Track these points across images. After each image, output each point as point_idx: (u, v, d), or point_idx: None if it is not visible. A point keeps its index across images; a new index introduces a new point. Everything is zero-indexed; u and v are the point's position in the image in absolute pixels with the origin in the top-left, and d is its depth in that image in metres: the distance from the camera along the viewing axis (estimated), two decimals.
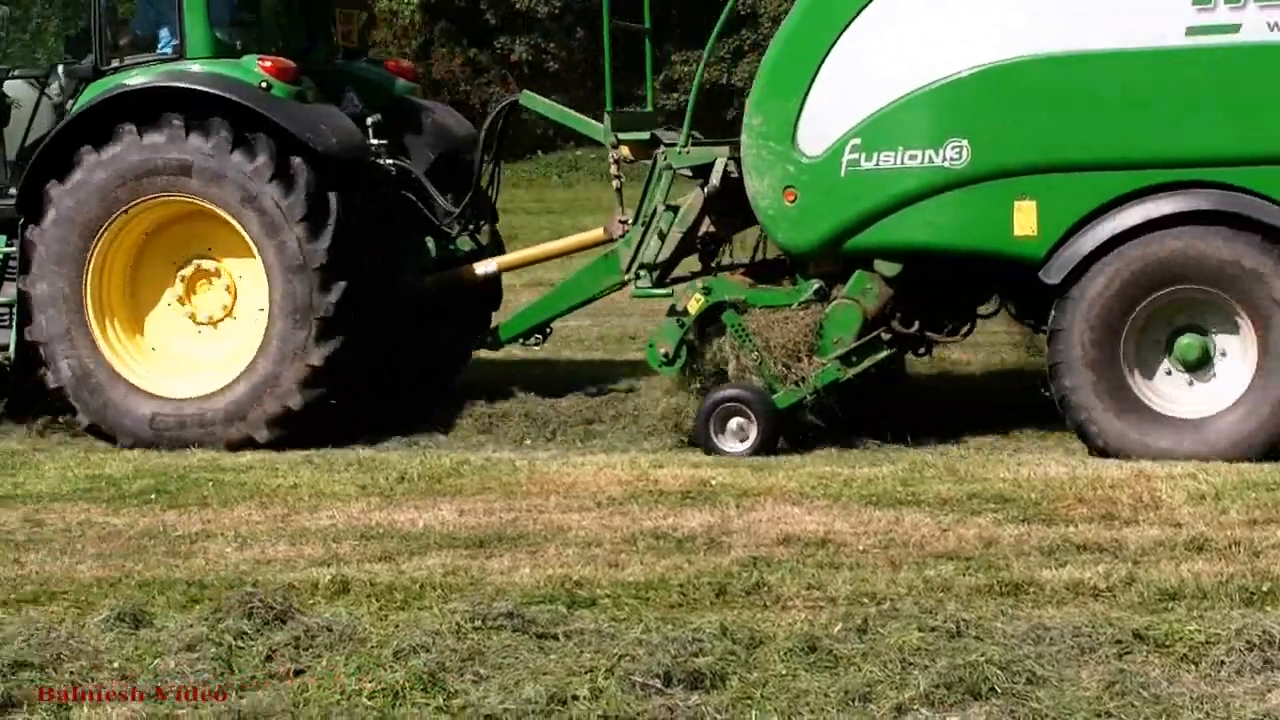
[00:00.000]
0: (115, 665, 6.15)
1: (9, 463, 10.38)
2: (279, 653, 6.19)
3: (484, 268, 12.24)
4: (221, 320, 11.55)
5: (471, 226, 12.53)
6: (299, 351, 10.98)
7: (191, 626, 6.52)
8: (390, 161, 11.97)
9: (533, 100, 12.24)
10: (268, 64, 11.28)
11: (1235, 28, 9.46)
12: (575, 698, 5.55)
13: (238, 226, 11.11)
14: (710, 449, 10.24)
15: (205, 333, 11.57)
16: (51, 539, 8.45)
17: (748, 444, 10.21)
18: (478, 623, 6.35)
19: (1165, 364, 9.90)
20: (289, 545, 8.13)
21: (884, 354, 10.32)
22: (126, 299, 11.57)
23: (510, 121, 12.44)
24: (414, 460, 9.99)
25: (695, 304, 10.57)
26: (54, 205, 11.35)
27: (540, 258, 12.69)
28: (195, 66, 11.41)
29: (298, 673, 5.99)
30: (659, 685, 5.64)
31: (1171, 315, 9.83)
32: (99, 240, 11.32)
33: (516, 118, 12.81)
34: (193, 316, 11.58)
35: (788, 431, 10.39)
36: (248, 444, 11.04)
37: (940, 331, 10.75)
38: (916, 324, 10.44)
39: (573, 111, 12.37)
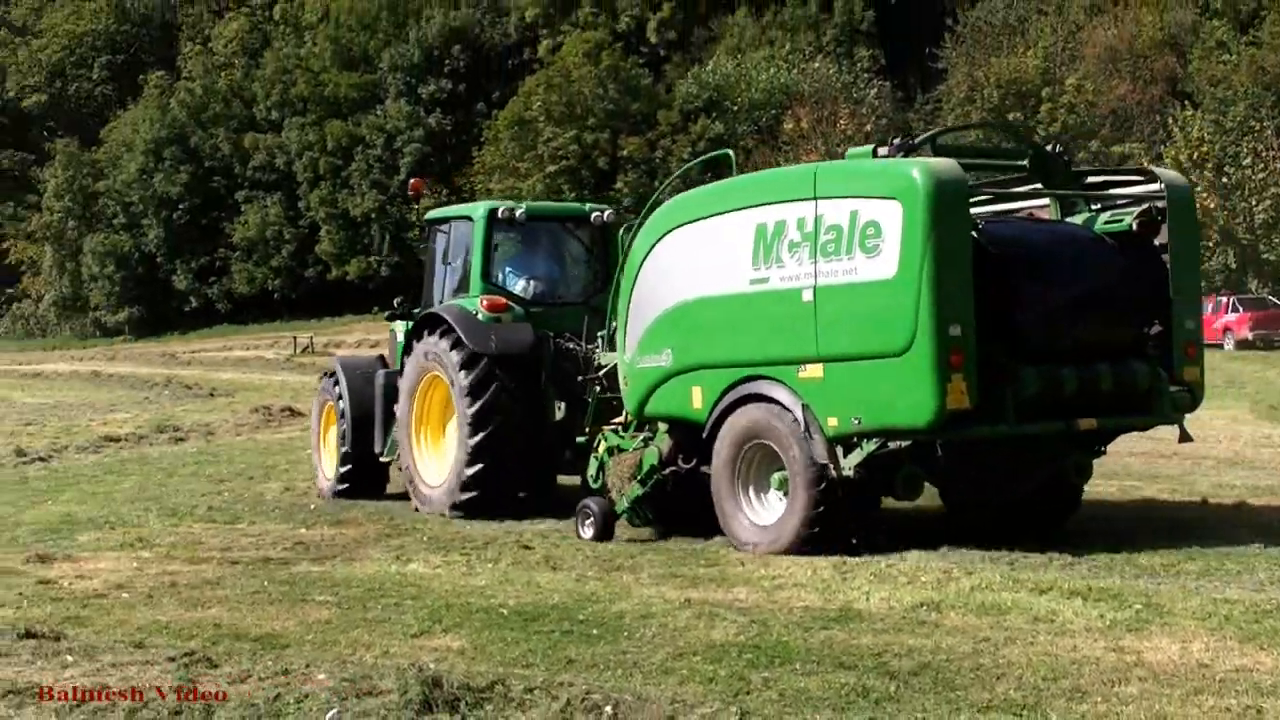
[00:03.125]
0: None
1: None
2: None
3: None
4: None
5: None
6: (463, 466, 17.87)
7: None
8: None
9: None
10: (484, 301, 18.18)
11: (766, 280, 14.53)
12: None
13: (451, 391, 18.12)
14: (579, 534, 15.91)
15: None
16: None
17: (592, 533, 15.78)
18: None
19: (773, 487, 14.70)
20: None
21: (658, 479, 15.64)
22: (439, 433, 18.66)
23: None
24: None
25: (602, 446, 16.44)
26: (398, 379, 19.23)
27: None
28: (459, 300, 18.54)
29: None
30: None
31: (772, 456, 14.62)
32: (415, 398, 18.73)
33: None
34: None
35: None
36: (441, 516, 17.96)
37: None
38: (694, 461, 15.46)
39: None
